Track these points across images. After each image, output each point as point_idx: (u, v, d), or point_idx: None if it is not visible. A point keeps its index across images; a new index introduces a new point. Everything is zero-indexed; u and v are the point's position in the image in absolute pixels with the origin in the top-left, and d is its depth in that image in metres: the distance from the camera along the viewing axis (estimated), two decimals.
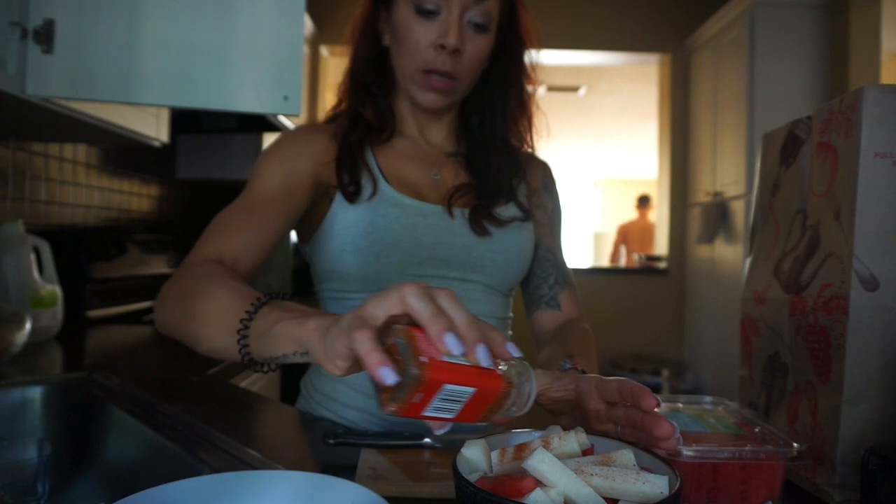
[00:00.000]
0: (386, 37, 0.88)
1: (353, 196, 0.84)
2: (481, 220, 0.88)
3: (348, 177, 0.85)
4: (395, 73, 0.88)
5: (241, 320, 0.56)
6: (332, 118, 0.94)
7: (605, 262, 8.22)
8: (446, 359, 0.43)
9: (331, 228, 0.85)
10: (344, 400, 0.89)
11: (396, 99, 0.93)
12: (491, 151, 0.93)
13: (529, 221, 0.94)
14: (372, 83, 0.90)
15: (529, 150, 0.99)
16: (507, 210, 0.92)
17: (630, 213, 9.39)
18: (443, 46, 0.80)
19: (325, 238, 0.86)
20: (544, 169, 1.02)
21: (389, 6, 0.85)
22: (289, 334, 0.50)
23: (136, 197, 2.32)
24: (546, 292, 0.94)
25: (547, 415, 0.64)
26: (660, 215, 3.98)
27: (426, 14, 0.80)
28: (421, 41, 0.81)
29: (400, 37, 0.83)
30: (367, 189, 0.85)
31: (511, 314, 0.98)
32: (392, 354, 0.43)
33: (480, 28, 0.82)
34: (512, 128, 0.95)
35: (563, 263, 0.97)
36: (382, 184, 0.86)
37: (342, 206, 0.85)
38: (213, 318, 0.61)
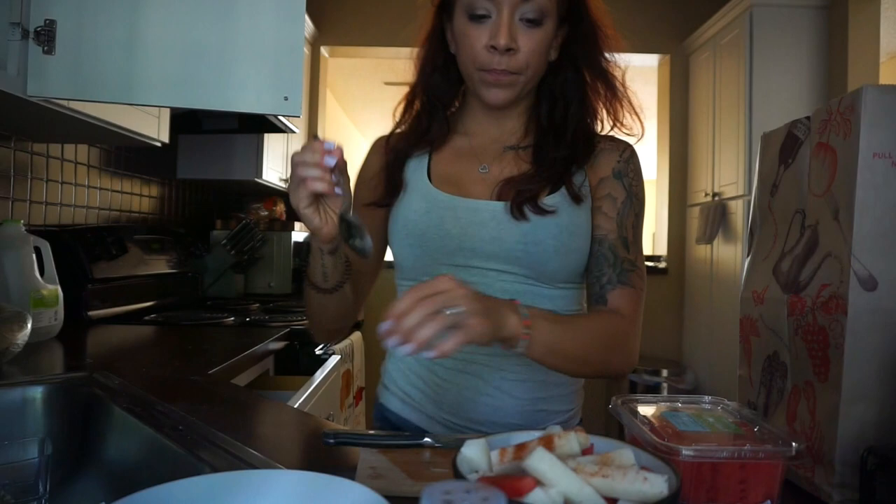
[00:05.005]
0: (451, 44, 0.95)
1: (391, 197, 0.97)
2: (521, 206, 0.89)
3: (392, 182, 0.98)
4: (463, 77, 0.95)
5: None
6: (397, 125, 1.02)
7: None
8: None
9: (390, 225, 0.98)
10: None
11: (470, 98, 0.99)
12: (552, 142, 0.94)
13: (580, 209, 0.91)
14: (439, 92, 0.98)
15: (625, 132, 0.97)
16: (553, 198, 0.90)
17: None
18: (494, 47, 0.85)
19: (389, 234, 0.98)
20: (622, 153, 0.95)
21: (451, 16, 0.93)
22: None
23: (136, 197, 2.33)
24: (597, 290, 0.92)
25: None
26: (659, 216, 3.97)
27: (478, 18, 0.87)
28: (475, 44, 0.87)
29: (459, 42, 0.91)
30: (402, 189, 0.97)
31: (579, 307, 0.96)
32: None
33: (533, 23, 0.87)
34: (592, 114, 0.96)
35: (626, 260, 0.91)
36: (422, 181, 0.96)
37: (395, 205, 0.97)
38: None
